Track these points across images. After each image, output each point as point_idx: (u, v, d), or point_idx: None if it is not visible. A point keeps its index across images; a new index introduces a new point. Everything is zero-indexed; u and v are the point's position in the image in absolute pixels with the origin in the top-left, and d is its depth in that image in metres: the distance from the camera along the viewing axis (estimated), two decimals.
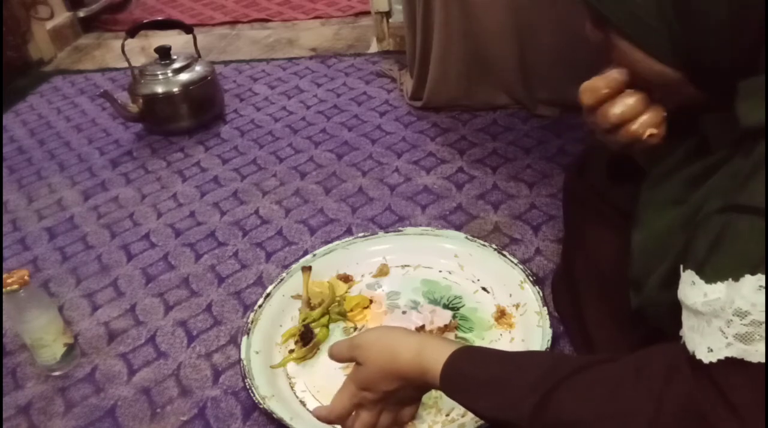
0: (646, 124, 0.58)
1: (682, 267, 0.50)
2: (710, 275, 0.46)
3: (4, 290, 0.88)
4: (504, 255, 1.01)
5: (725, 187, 0.48)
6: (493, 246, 1.04)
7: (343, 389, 0.67)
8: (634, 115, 0.58)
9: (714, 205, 0.48)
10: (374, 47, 2.01)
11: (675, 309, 0.51)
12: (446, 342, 0.63)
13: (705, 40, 0.49)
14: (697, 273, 0.47)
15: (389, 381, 0.64)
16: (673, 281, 0.52)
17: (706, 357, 0.45)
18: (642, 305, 0.63)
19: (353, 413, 0.68)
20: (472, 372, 0.58)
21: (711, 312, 0.45)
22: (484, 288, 0.99)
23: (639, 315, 0.65)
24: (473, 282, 1.01)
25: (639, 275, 0.63)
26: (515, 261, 1.00)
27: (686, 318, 0.49)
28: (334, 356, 0.70)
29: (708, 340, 0.45)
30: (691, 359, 0.46)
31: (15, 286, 0.88)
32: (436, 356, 0.60)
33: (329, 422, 0.69)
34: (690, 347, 0.47)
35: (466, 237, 1.07)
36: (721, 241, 0.45)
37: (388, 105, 1.65)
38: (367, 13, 2.25)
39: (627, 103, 0.58)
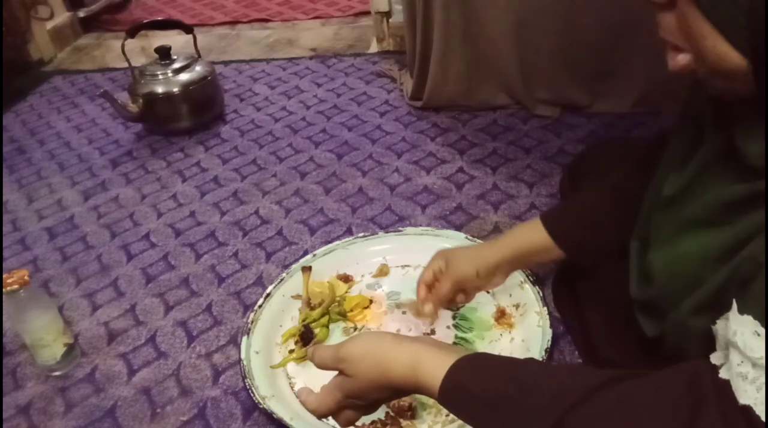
0: None
1: (736, 305, 0.46)
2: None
3: (4, 290, 0.88)
4: None
5: None
6: None
7: (329, 393, 0.64)
8: None
9: None
10: (374, 47, 2.01)
11: (706, 336, 0.49)
12: (441, 352, 0.59)
13: None
14: (763, 323, 0.43)
15: (381, 392, 0.62)
16: (711, 309, 0.49)
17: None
18: (665, 332, 0.60)
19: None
20: (474, 391, 0.54)
21: None
22: None
23: (657, 339, 0.63)
24: None
25: (661, 298, 0.60)
26: None
27: (738, 364, 0.44)
28: (318, 365, 0.66)
29: None
30: (744, 410, 0.43)
31: (15, 286, 0.88)
32: (432, 371, 0.57)
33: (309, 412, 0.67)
34: (742, 399, 0.43)
35: (466, 238, 1.07)
36: None
37: (388, 105, 1.65)
38: (367, 13, 2.25)
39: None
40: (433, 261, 0.87)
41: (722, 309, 0.48)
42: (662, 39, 0.51)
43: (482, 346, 0.90)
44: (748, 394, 0.43)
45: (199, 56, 1.67)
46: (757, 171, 0.49)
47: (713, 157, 0.56)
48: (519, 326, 0.92)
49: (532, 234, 0.83)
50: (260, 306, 0.98)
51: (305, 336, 0.92)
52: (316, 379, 0.87)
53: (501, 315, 0.94)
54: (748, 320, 0.44)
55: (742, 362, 0.44)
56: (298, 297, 1.01)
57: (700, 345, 0.51)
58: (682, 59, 0.50)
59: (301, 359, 0.91)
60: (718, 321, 0.49)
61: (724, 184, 0.54)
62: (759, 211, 0.49)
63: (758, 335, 0.43)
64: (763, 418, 0.41)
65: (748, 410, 0.42)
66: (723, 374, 0.45)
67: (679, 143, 0.64)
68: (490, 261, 0.84)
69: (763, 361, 0.42)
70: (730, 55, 0.45)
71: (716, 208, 0.54)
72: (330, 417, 0.66)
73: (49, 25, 2.25)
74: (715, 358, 0.48)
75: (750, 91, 0.47)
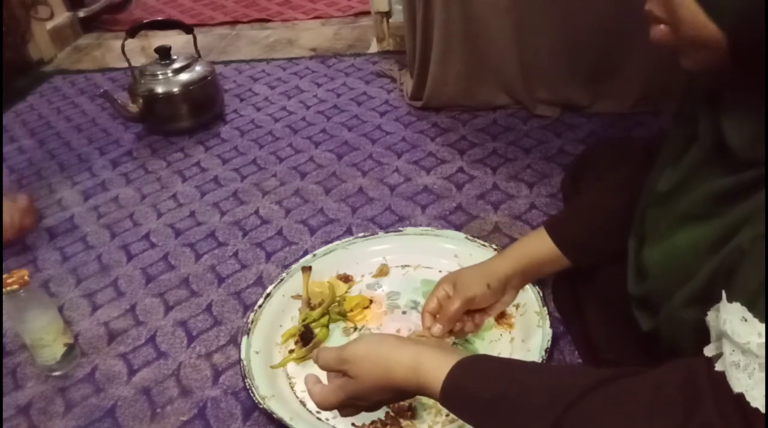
0: None
1: (725, 294, 0.46)
2: (766, 313, 0.42)
3: (4, 290, 0.88)
4: None
5: None
6: (493, 246, 1.04)
7: (332, 392, 0.65)
8: None
9: (760, 230, 0.44)
10: (374, 47, 2.01)
11: (699, 327, 0.49)
12: (442, 353, 0.60)
13: (763, 12, 0.44)
14: (750, 309, 0.43)
15: (383, 393, 0.63)
16: (702, 301, 0.50)
17: (762, 406, 0.41)
18: (659, 325, 0.61)
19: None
20: (474, 392, 0.56)
21: None
22: None
23: (651, 335, 0.63)
24: None
25: (656, 292, 0.61)
26: None
27: (730, 353, 0.45)
28: (321, 367, 0.67)
29: (763, 388, 0.42)
30: (736, 398, 0.43)
31: (15, 286, 0.88)
32: (434, 372, 0.58)
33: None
34: (736, 388, 0.43)
35: (466, 237, 1.07)
36: None
37: (388, 105, 1.65)
38: (367, 13, 2.25)
39: None
40: (438, 288, 0.83)
41: (712, 301, 0.49)
42: (648, 11, 0.52)
43: (482, 346, 0.90)
44: (741, 382, 0.43)
45: (199, 56, 1.67)
46: (746, 162, 0.50)
47: (706, 151, 0.57)
48: (519, 326, 0.92)
49: (539, 246, 0.83)
50: (260, 306, 0.98)
51: (305, 336, 0.92)
52: None
53: (501, 315, 0.94)
54: (736, 307, 0.44)
55: (733, 351, 0.44)
56: (298, 297, 1.01)
57: (693, 337, 0.51)
58: (661, 30, 0.52)
59: (301, 359, 0.91)
60: (709, 313, 0.50)
61: (715, 177, 0.54)
62: (746, 202, 0.50)
63: (745, 320, 0.43)
64: (753, 403, 0.42)
65: (740, 398, 0.43)
66: (718, 366, 0.46)
67: (675, 140, 0.65)
68: (500, 274, 0.83)
69: (750, 346, 0.42)
70: (707, 26, 0.47)
71: (706, 201, 0.55)
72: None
73: (49, 25, 2.25)
74: (708, 350, 0.48)
75: (725, 65, 0.48)
